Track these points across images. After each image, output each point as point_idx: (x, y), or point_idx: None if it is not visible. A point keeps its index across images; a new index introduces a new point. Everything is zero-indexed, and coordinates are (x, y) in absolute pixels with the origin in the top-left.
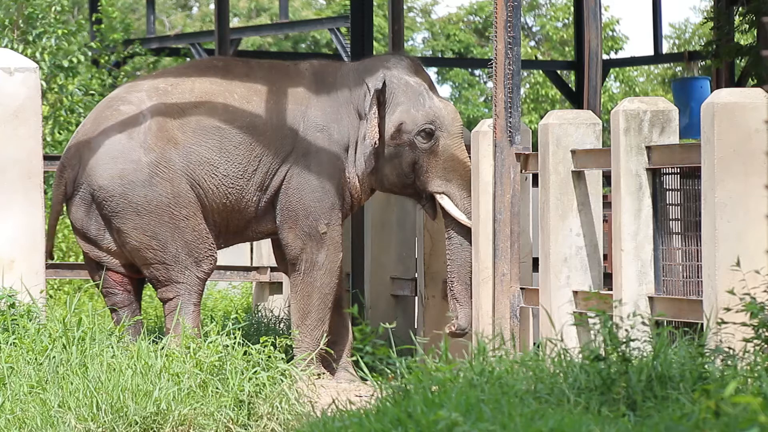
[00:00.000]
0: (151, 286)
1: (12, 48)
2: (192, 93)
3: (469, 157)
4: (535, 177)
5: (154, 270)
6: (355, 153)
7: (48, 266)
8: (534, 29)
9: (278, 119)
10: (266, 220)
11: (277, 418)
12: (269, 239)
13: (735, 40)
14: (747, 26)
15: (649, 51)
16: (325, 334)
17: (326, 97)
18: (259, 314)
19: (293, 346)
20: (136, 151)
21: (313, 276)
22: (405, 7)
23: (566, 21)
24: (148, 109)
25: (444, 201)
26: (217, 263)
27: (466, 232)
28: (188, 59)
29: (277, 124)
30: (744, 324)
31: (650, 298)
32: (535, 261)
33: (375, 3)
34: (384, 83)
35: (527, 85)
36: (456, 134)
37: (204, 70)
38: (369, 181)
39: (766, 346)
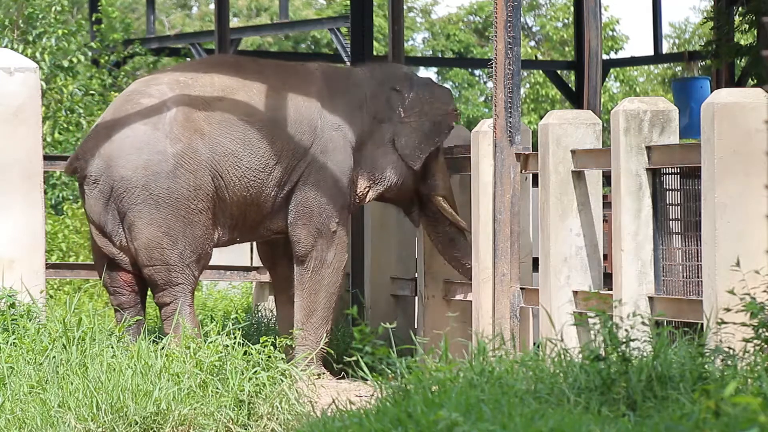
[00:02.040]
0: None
1: (12, 48)
2: (213, 86)
3: (469, 157)
4: (535, 177)
5: (156, 271)
6: (369, 155)
7: (48, 266)
8: (534, 29)
9: (297, 116)
10: (279, 217)
11: (277, 418)
12: None
13: (735, 40)
14: (747, 26)
15: (649, 51)
16: (328, 334)
17: (340, 99)
18: (259, 314)
19: (295, 344)
20: (162, 141)
21: (322, 274)
22: (405, 7)
23: (566, 21)
24: (171, 101)
25: (445, 204)
26: (218, 263)
27: (460, 234)
28: (188, 59)
29: (295, 120)
30: (744, 324)
31: (650, 298)
32: (535, 261)
33: (375, 3)
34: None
35: (527, 85)
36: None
37: (217, 65)
38: (389, 184)
39: (766, 346)
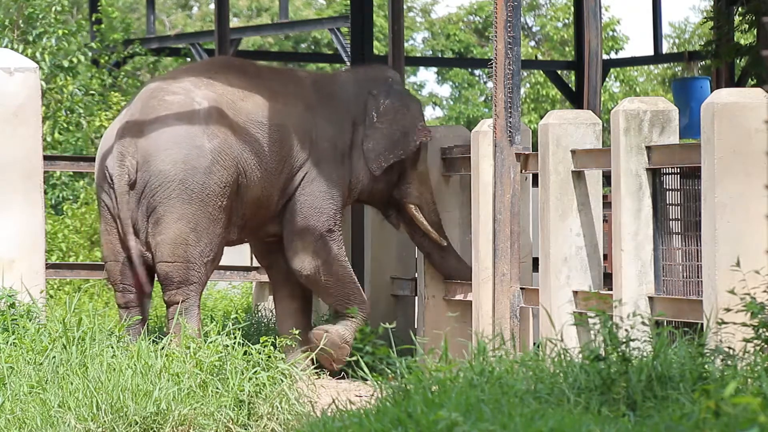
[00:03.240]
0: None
1: (12, 48)
2: (231, 87)
3: (469, 157)
4: (535, 177)
5: (175, 268)
6: (351, 160)
7: (48, 266)
8: (534, 29)
9: (299, 124)
10: (276, 222)
11: (277, 418)
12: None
13: (735, 40)
14: (747, 26)
15: (649, 51)
16: (368, 309)
17: (330, 108)
18: (259, 314)
19: (348, 316)
20: (200, 137)
21: (333, 271)
22: (405, 7)
23: (566, 21)
24: (201, 98)
25: (417, 212)
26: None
27: (433, 244)
28: (188, 59)
29: (298, 128)
30: (744, 324)
31: (650, 298)
32: (535, 261)
33: (375, 3)
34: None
35: (527, 85)
36: (425, 148)
37: (225, 68)
38: (361, 189)
39: (766, 346)
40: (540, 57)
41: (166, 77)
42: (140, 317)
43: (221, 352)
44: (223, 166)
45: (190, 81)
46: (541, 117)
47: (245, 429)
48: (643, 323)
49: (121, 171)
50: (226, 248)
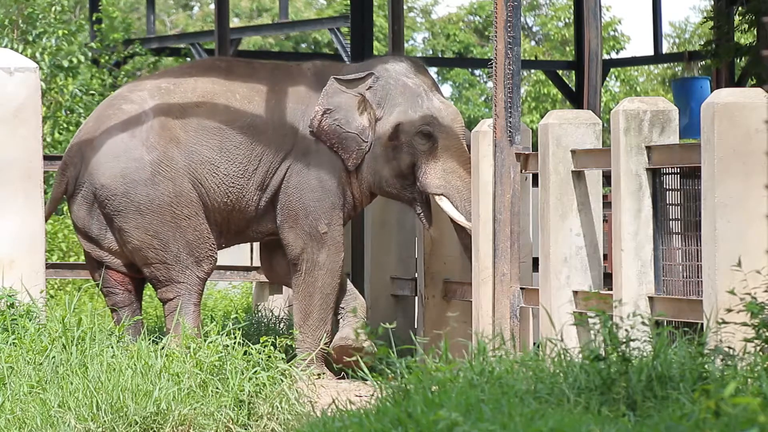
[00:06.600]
0: (151, 286)
1: (12, 48)
2: (194, 92)
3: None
4: (535, 177)
5: (155, 270)
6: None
7: (48, 266)
8: (534, 29)
9: (279, 118)
10: (267, 219)
11: (277, 418)
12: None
13: (735, 39)
14: (747, 26)
15: (649, 51)
16: (327, 335)
17: None
18: (259, 314)
19: (295, 346)
20: (139, 149)
21: (315, 276)
22: (405, 7)
23: (566, 21)
24: (150, 108)
25: (443, 202)
26: (217, 263)
27: (466, 234)
28: (189, 59)
29: (277, 123)
30: (745, 324)
31: (650, 298)
32: (535, 261)
33: (375, 3)
34: (370, 85)
35: (527, 84)
36: (456, 135)
37: (206, 70)
38: (367, 183)
39: (766, 346)
40: (540, 57)
41: (135, 82)
42: (137, 318)
43: (221, 352)
44: (167, 177)
45: (149, 90)
46: (541, 117)
47: (245, 429)
48: (643, 323)
49: (60, 180)
50: (226, 248)
